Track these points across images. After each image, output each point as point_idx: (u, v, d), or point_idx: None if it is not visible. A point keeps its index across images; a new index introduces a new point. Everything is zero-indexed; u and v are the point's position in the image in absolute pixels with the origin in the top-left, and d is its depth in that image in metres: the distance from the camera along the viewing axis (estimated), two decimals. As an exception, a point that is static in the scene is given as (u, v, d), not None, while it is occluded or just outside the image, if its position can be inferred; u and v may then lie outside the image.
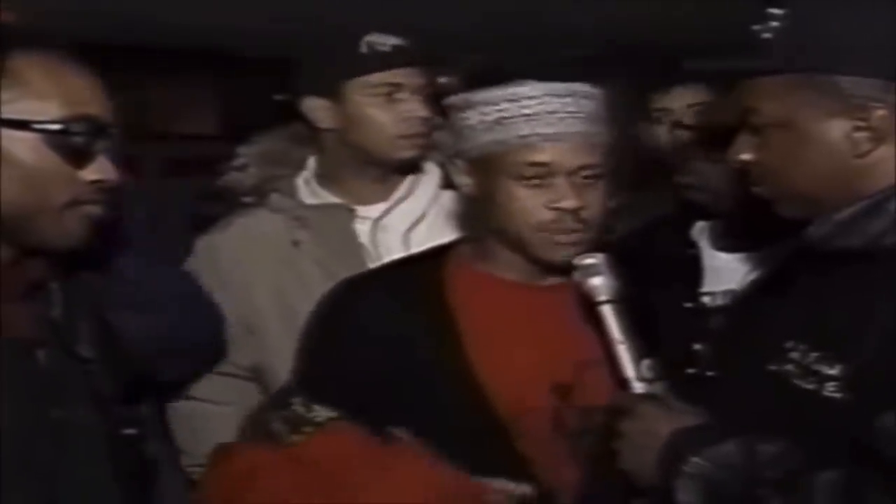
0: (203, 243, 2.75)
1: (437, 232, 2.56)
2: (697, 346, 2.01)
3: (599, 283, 2.03)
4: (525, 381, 2.13)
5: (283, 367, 2.38)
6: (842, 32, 1.71)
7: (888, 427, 1.55)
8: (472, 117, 2.15)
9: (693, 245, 2.67)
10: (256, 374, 2.68)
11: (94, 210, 1.81)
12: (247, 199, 2.75)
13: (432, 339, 2.17)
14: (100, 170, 1.79)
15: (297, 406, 2.15)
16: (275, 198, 2.73)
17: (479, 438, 2.12)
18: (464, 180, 2.21)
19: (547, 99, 2.11)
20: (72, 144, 1.76)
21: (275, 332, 2.59)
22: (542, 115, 2.11)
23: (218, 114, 7.62)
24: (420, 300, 2.21)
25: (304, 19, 6.16)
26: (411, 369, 2.15)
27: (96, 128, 1.78)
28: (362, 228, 2.69)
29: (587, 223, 2.12)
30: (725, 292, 2.43)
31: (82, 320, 1.88)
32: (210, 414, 2.64)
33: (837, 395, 1.64)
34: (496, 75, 2.16)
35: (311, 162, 2.78)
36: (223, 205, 2.79)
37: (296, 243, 2.67)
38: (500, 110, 2.12)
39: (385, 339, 2.18)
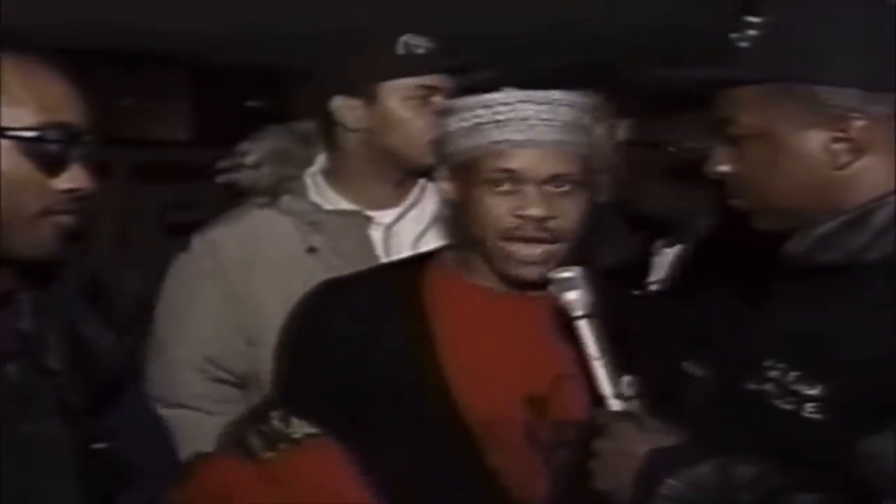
0: (203, 239, 2.68)
1: (443, 240, 2.49)
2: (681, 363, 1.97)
3: (575, 298, 1.99)
4: (499, 392, 2.11)
5: None
6: (821, 41, 1.68)
7: (871, 451, 1.53)
8: (453, 123, 2.15)
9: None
10: (251, 383, 2.64)
11: (67, 220, 1.77)
12: (260, 200, 2.68)
13: (405, 347, 2.16)
14: (73, 178, 1.75)
15: (275, 420, 2.12)
16: (287, 200, 2.67)
17: (450, 449, 2.11)
18: (444, 186, 2.21)
19: (520, 106, 2.10)
20: (46, 152, 1.72)
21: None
22: (514, 121, 2.10)
23: (190, 119, 7.57)
24: (395, 307, 2.20)
25: (281, 25, 6.17)
26: (383, 377, 2.14)
27: (71, 135, 1.74)
28: (375, 235, 2.66)
29: (556, 234, 2.10)
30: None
31: (52, 332, 1.84)
32: (200, 422, 2.59)
33: (817, 416, 1.61)
34: (485, 82, 2.15)
35: (319, 162, 2.73)
36: (197, 211, 2.74)
37: (311, 250, 2.62)
38: (476, 116, 2.12)
39: (358, 345, 2.16)
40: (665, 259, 2.77)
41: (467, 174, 2.14)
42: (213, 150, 2.82)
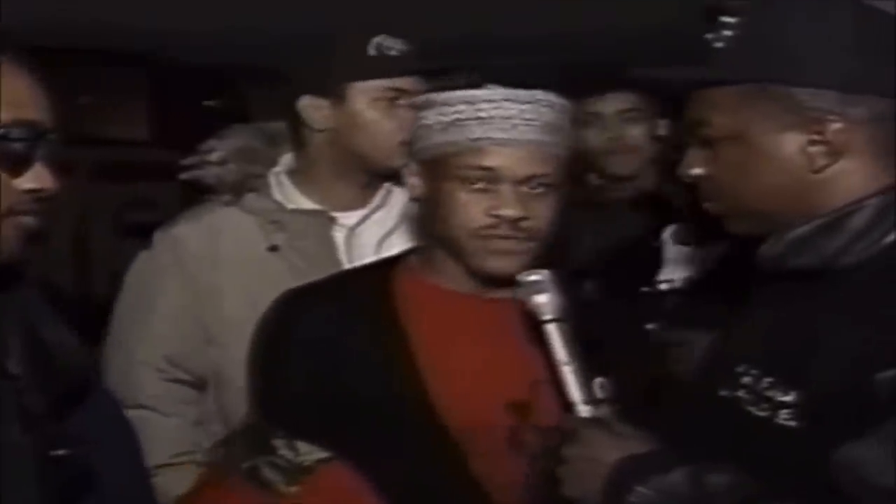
0: (165, 236, 2.65)
1: (408, 244, 2.46)
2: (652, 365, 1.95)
3: (544, 301, 1.97)
4: (478, 398, 2.08)
5: (242, 379, 2.31)
6: (799, 43, 1.66)
7: (848, 459, 1.51)
8: (430, 117, 2.12)
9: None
10: (208, 384, 2.60)
11: (29, 220, 1.72)
12: (225, 198, 2.64)
13: (381, 354, 2.12)
14: (37, 178, 1.70)
15: (283, 450, 2.05)
16: (251, 198, 2.64)
17: (431, 457, 2.08)
18: (414, 182, 2.17)
19: (505, 104, 2.07)
20: (10, 151, 1.67)
21: (239, 343, 2.45)
22: (497, 119, 2.07)
23: (148, 119, 7.51)
24: (368, 313, 2.16)
25: (240, 25, 6.12)
26: (361, 387, 2.10)
27: (36, 133, 1.70)
28: (338, 236, 2.62)
29: (529, 234, 2.07)
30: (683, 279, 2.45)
31: (12, 335, 1.79)
32: (157, 423, 2.54)
33: (792, 423, 1.59)
34: (464, 80, 2.13)
35: (285, 161, 2.69)
36: (155, 212, 2.70)
37: (273, 248, 2.58)
38: (456, 112, 2.09)
39: (332, 354, 2.12)
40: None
41: (440, 170, 2.11)
42: (171, 150, 2.78)
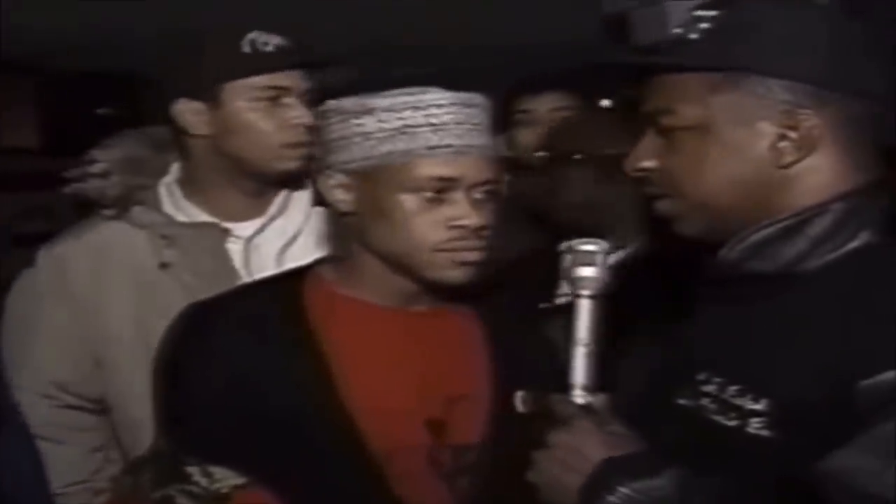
0: (49, 254, 2.48)
1: (309, 253, 2.30)
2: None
3: (589, 275, 1.80)
4: (398, 417, 1.98)
5: (136, 402, 2.17)
6: (777, 35, 1.62)
7: (836, 469, 1.45)
8: (368, 124, 1.96)
9: None
10: (104, 407, 2.45)
11: None
12: (108, 212, 2.48)
13: (297, 371, 1.98)
14: None
15: (198, 477, 1.93)
16: (138, 211, 2.47)
17: (352, 479, 1.96)
18: (339, 195, 2.01)
19: (455, 108, 1.95)
20: None
21: (128, 364, 2.33)
22: (451, 125, 1.94)
23: (37, 126, 7.35)
24: (280, 328, 2.02)
25: (130, 30, 6.01)
26: (276, 405, 1.97)
27: None
28: (234, 248, 2.46)
29: (484, 242, 1.98)
30: None
31: None
32: (49, 452, 2.33)
33: (764, 431, 1.54)
34: (386, 80, 2.00)
35: (174, 170, 2.53)
36: (48, 222, 2.57)
37: (164, 265, 2.41)
38: (401, 118, 1.95)
39: (244, 371, 1.98)
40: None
41: (384, 181, 1.96)
42: (62, 158, 2.63)
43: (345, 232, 2.05)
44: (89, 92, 7.17)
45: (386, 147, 1.95)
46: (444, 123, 1.94)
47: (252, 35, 2.42)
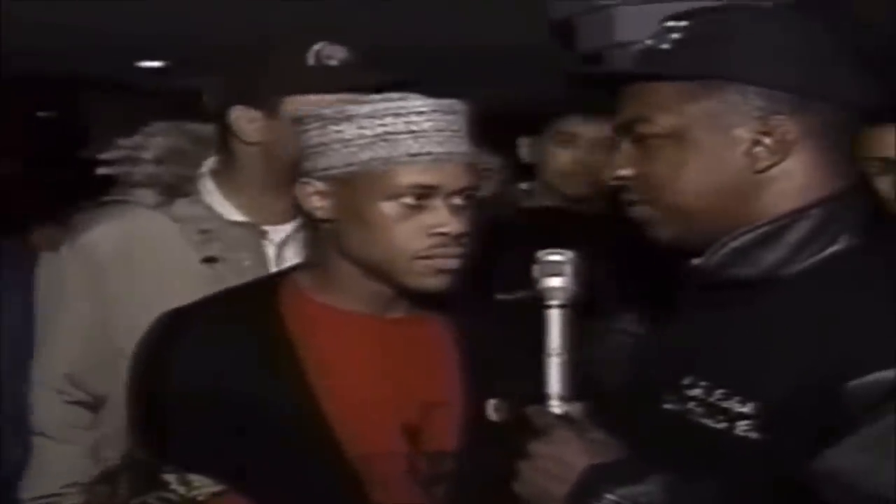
0: (75, 243, 2.44)
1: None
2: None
3: (558, 285, 1.83)
4: (375, 424, 1.98)
5: None
6: (752, 43, 1.65)
7: (829, 469, 1.48)
8: (348, 131, 1.95)
9: None
10: (113, 403, 2.38)
11: None
12: (155, 200, 2.45)
13: (274, 378, 1.98)
14: None
15: (175, 484, 1.92)
16: (182, 203, 2.45)
17: (328, 486, 1.96)
18: (317, 202, 2.00)
19: (435, 115, 1.95)
20: None
21: None
22: (431, 132, 1.94)
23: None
24: (257, 335, 2.01)
25: (74, 34, 5.96)
26: (253, 413, 1.96)
27: None
28: (268, 251, 2.46)
29: (464, 249, 1.99)
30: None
31: None
32: (53, 451, 2.35)
33: (752, 434, 1.56)
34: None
35: (211, 166, 2.52)
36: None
37: (209, 260, 2.40)
38: (383, 125, 1.94)
39: (221, 379, 1.97)
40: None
41: (363, 188, 1.95)
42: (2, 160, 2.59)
43: (321, 239, 2.04)
44: (30, 96, 7.10)
45: (366, 154, 1.94)
46: (424, 131, 1.94)
47: (318, 47, 2.41)
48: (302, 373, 1.98)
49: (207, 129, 2.55)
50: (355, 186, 1.96)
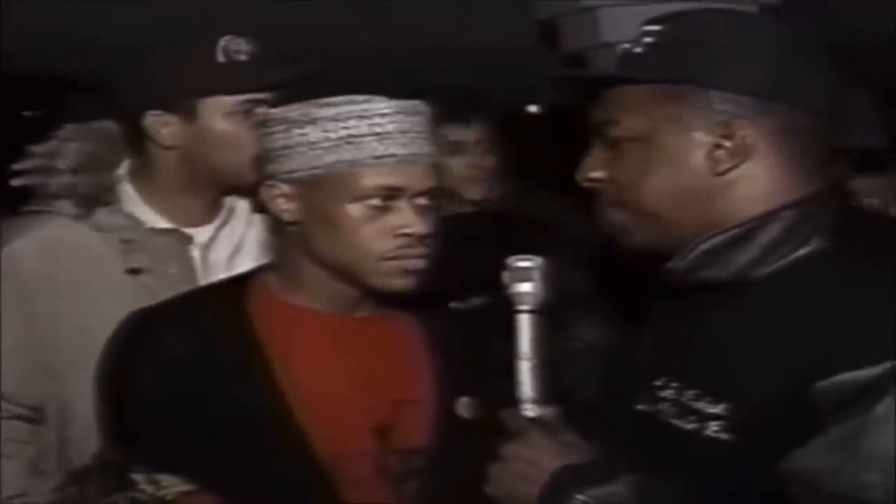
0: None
1: (255, 259, 2.32)
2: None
3: (527, 290, 1.84)
4: (345, 422, 1.98)
5: (89, 412, 2.11)
6: (715, 47, 1.66)
7: (798, 470, 1.48)
8: (312, 134, 1.95)
9: None
10: (40, 417, 2.37)
11: None
12: (75, 211, 2.38)
13: (243, 377, 1.97)
14: None
15: (144, 484, 1.91)
16: (102, 213, 2.39)
17: (298, 485, 1.95)
18: (282, 205, 2.00)
19: (399, 117, 1.95)
20: None
21: (83, 372, 2.19)
22: (395, 134, 1.94)
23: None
24: (226, 336, 2.00)
25: (56, 33, 5.93)
26: (222, 412, 1.95)
27: None
28: (194, 255, 2.43)
29: (428, 249, 1.99)
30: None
31: None
32: None
33: (723, 435, 1.57)
34: (323, 87, 1.98)
35: (128, 168, 2.46)
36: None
37: (134, 271, 2.35)
38: (347, 127, 1.94)
39: (189, 378, 1.96)
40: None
41: (328, 190, 1.95)
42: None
43: (287, 241, 2.04)
44: (13, 96, 7.08)
45: (331, 157, 1.95)
46: (388, 132, 1.94)
47: (224, 41, 2.38)
48: (271, 372, 1.98)
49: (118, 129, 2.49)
50: (321, 189, 1.96)
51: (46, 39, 5.80)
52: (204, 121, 2.38)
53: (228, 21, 2.45)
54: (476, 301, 2.52)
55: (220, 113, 2.38)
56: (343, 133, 1.94)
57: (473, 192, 3.31)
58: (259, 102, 2.37)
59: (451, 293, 2.34)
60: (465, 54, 5.63)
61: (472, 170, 3.29)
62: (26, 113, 7.12)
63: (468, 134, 3.33)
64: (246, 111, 2.37)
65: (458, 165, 3.28)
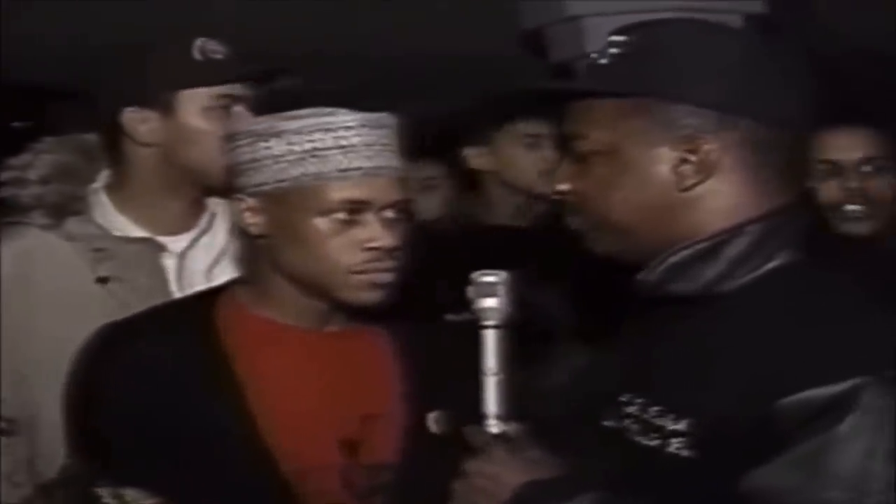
0: None
1: (236, 270, 2.26)
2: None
3: (492, 306, 1.84)
4: (311, 437, 1.96)
5: (60, 424, 2.09)
6: (680, 61, 1.63)
7: (760, 487, 1.47)
8: (277, 147, 1.94)
9: None
10: (13, 429, 2.35)
11: None
12: (44, 221, 2.38)
13: (210, 391, 1.96)
14: None
15: (108, 498, 1.89)
16: (73, 222, 2.39)
17: (264, 499, 1.95)
18: (250, 219, 1.99)
19: (364, 130, 1.94)
20: None
21: (57, 384, 2.15)
22: (360, 147, 1.93)
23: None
24: (194, 349, 1.99)
25: (43, 42, 5.92)
26: (188, 426, 1.94)
27: None
28: (168, 264, 2.41)
29: (397, 262, 1.98)
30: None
31: None
32: None
33: (684, 452, 1.54)
34: (290, 100, 1.97)
35: (103, 179, 2.45)
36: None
37: (102, 280, 2.35)
38: (312, 140, 1.93)
39: (157, 392, 1.96)
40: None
41: (292, 204, 1.94)
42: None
43: (256, 254, 2.03)
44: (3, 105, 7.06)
45: (296, 170, 1.94)
46: (353, 146, 1.93)
47: (200, 42, 2.39)
48: (238, 386, 1.97)
49: (96, 141, 2.49)
50: (287, 202, 1.95)
51: (25, 50, 5.79)
52: (181, 116, 2.38)
53: (204, 26, 2.47)
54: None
55: (197, 108, 2.38)
56: (308, 146, 1.93)
57: (546, 186, 3.31)
58: (236, 99, 2.38)
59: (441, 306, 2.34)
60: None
61: (547, 163, 3.28)
62: (16, 124, 7.11)
63: (543, 128, 3.34)
64: (224, 107, 2.37)
65: (533, 160, 3.34)
